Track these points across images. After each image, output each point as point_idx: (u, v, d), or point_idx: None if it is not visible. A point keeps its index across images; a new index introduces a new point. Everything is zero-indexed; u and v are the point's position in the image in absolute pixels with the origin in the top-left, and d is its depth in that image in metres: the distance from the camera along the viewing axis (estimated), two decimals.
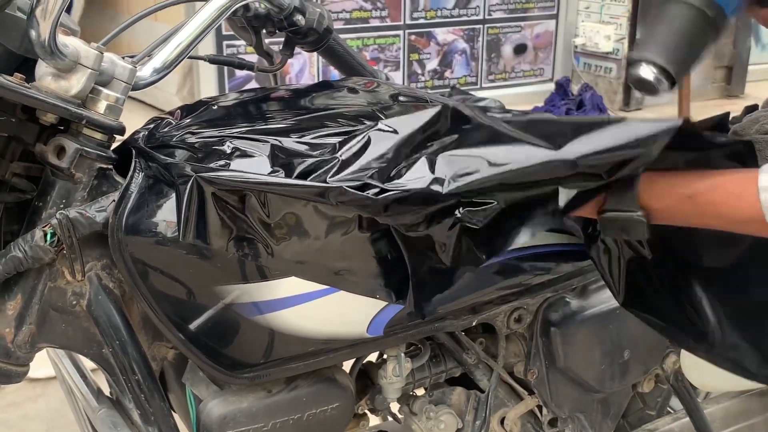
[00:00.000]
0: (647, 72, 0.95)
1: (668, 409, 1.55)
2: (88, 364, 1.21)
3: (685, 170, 0.88)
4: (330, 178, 0.87)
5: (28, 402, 2.24)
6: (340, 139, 0.93)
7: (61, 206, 0.91)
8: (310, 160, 0.89)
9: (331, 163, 0.88)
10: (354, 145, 0.91)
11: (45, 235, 0.89)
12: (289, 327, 0.97)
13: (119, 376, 0.96)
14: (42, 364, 0.99)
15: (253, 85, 3.73)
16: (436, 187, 0.85)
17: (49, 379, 2.23)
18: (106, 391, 1.15)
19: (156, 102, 3.62)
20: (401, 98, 1.08)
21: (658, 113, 4.23)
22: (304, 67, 3.85)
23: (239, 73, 3.68)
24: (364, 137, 0.91)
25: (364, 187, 0.86)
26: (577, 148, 0.83)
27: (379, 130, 0.92)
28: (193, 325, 0.95)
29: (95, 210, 0.90)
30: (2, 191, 0.95)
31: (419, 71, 4.16)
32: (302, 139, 0.94)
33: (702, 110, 4.03)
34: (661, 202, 0.89)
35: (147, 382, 0.96)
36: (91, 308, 0.94)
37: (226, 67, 3.63)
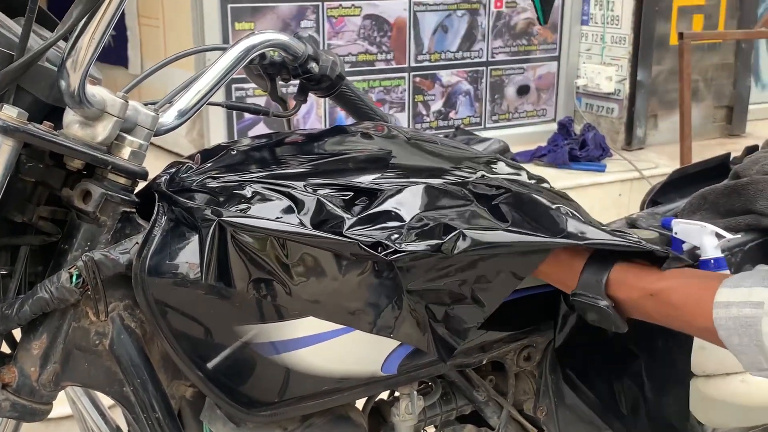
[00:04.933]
0: None
1: None
2: (106, 401, 1.23)
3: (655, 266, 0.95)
4: (346, 230, 0.90)
5: None
6: (359, 187, 0.96)
7: (86, 248, 0.95)
8: (328, 208, 0.93)
9: (349, 216, 0.92)
10: (375, 200, 0.95)
11: (71, 276, 0.92)
12: (306, 366, 1.00)
13: (140, 414, 0.99)
14: (56, 403, 1.01)
15: (261, 127, 3.78)
16: (446, 247, 0.90)
17: (62, 419, 2.24)
18: (124, 428, 1.17)
19: (165, 143, 3.66)
20: (413, 142, 1.12)
21: (660, 152, 4.28)
22: (311, 110, 3.91)
23: (247, 115, 3.73)
24: (383, 194, 0.95)
25: (377, 245, 0.90)
26: (579, 228, 0.95)
27: (399, 190, 0.97)
28: (211, 364, 0.98)
29: (119, 252, 0.94)
30: (28, 234, 0.98)
31: (424, 112, 4.21)
32: (320, 182, 0.97)
33: (704, 149, 4.07)
34: (627, 294, 0.95)
35: (167, 419, 0.98)
36: (113, 347, 0.97)
37: (234, 111, 3.68)
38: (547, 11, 1.00)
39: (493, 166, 1.10)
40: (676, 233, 1.42)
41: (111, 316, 0.96)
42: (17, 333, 1.00)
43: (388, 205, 0.95)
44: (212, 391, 0.98)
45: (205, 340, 0.98)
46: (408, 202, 0.95)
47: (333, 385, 1.04)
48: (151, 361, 0.99)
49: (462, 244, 0.89)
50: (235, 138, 3.79)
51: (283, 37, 1.17)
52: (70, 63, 0.86)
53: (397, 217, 0.94)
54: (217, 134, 3.72)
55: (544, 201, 0.98)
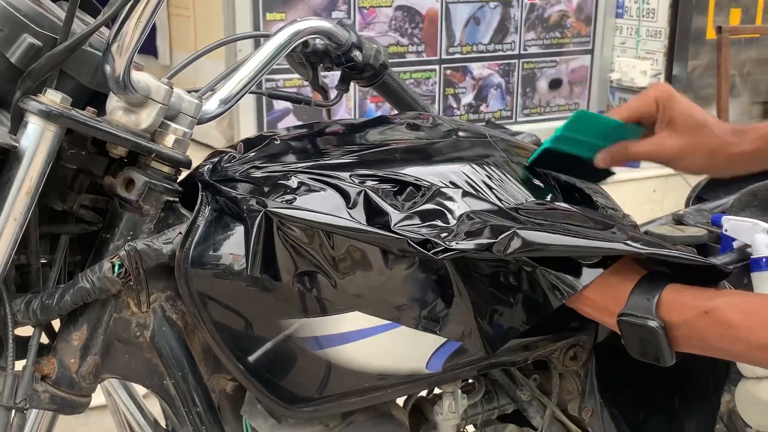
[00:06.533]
0: None
1: None
2: (142, 393, 1.21)
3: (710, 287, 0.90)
4: (395, 225, 0.88)
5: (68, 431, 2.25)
6: (405, 180, 0.94)
7: (128, 238, 0.93)
8: (375, 200, 0.90)
9: (396, 210, 0.89)
10: (423, 195, 0.92)
11: (113, 266, 0.90)
12: (349, 361, 0.97)
13: (180, 408, 0.97)
14: None
15: (290, 118, 3.76)
16: (497, 247, 0.87)
17: (91, 409, 2.24)
18: (162, 421, 1.15)
19: (195, 135, 3.64)
20: (460, 133, 1.09)
21: None
22: (341, 102, 3.88)
23: (277, 106, 3.72)
24: (431, 191, 0.93)
25: (426, 242, 0.87)
26: (638, 240, 0.91)
27: (454, 187, 0.94)
28: (253, 357, 0.96)
29: (162, 242, 0.91)
30: (69, 222, 0.96)
31: (455, 105, 4.17)
32: (366, 173, 0.94)
33: None
34: (679, 315, 0.88)
35: (208, 414, 0.96)
36: (154, 339, 0.95)
37: (264, 102, 3.67)
38: None
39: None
40: (726, 230, 1.38)
41: (152, 307, 0.94)
42: (56, 324, 0.98)
43: (437, 202, 0.92)
44: (253, 385, 0.96)
45: (247, 333, 0.95)
46: (459, 201, 0.92)
47: (375, 382, 1.01)
48: (192, 353, 0.97)
49: (515, 245, 0.86)
50: (265, 129, 3.78)
51: (327, 24, 1.14)
52: (116, 47, 0.84)
53: (447, 215, 0.91)
54: (247, 125, 3.70)
55: (602, 216, 0.96)
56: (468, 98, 4.22)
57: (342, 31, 1.16)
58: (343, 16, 3.78)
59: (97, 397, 1.31)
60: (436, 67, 4.09)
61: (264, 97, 3.67)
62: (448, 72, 4.13)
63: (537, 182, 1.04)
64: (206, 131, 3.60)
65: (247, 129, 3.73)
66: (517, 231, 0.87)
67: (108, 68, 0.85)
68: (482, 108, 4.27)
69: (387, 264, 0.92)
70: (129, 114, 0.90)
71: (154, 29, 4.23)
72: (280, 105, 3.72)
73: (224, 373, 1.02)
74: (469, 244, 0.88)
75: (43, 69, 0.84)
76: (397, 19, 3.94)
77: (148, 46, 4.26)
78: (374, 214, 0.90)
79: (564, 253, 0.90)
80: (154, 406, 1.18)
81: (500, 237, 0.87)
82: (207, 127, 3.53)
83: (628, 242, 0.89)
